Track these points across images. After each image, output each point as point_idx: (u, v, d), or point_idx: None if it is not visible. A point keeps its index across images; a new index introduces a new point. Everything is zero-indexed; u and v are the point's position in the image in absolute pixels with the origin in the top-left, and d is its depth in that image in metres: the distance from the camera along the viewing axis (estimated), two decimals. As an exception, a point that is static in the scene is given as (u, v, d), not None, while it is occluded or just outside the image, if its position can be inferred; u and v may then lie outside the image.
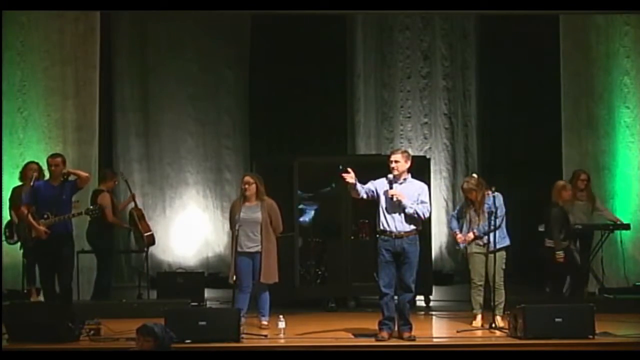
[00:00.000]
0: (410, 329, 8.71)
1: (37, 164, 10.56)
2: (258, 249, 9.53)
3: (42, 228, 9.30)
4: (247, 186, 9.57)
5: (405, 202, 8.67)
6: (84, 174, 9.74)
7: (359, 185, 8.66)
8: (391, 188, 8.68)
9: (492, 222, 9.47)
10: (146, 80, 14.66)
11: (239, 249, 9.47)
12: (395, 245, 8.68)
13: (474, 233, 9.61)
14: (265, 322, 9.56)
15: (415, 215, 8.75)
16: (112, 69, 14.27)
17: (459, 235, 9.75)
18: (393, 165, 8.73)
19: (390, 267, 8.67)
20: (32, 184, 9.63)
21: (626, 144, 12.13)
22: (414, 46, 14.98)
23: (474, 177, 9.91)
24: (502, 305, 9.50)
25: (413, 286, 8.76)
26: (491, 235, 9.47)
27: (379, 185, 8.78)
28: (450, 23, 14.96)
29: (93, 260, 11.43)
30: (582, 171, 11.63)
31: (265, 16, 13.41)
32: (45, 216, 9.35)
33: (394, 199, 8.66)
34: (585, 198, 11.54)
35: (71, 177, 9.63)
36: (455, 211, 10.10)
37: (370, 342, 8.56)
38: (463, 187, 9.86)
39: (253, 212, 9.53)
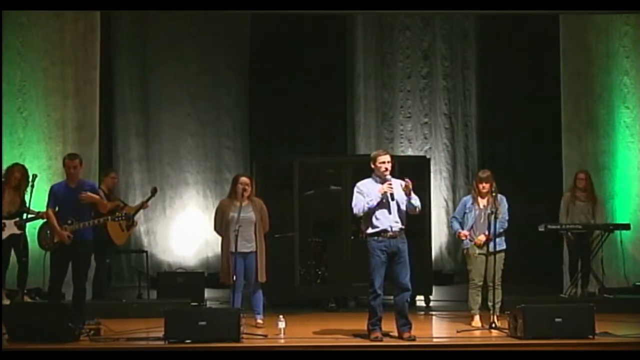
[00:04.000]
0: (410, 328, 8.71)
1: (23, 166, 10.56)
2: (253, 249, 9.58)
3: (65, 232, 9.24)
4: (247, 187, 9.60)
5: (413, 196, 8.70)
6: (104, 209, 9.69)
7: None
8: (390, 188, 8.68)
9: (493, 222, 9.47)
10: (146, 80, 14.67)
11: (232, 249, 9.49)
12: (391, 245, 8.66)
13: (485, 235, 9.57)
14: (260, 321, 9.60)
15: (418, 208, 8.75)
16: (112, 69, 14.28)
17: (463, 232, 9.70)
18: (387, 166, 8.69)
19: (384, 267, 8.66)
20: (32, 183, 9.58)
21: (626, 144, 12.12)
22: (414, 46, 15.00)
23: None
24: (499, 305, 9.51)
25: (410, 284, 8.76)
26: (492, 235, 9.48)
27: (367, 190, 8.72)
28: (450, 23, 14.97)
29: (93, 260, 11.42)
30: (580, 171, 11.65)
31: (265, 16, 13.41)
32: (70, 221, 9.30)
33: (393, 197, 8.66)
34: (585, 198, 11.53)
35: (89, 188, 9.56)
36: (456, 213, 9.98)
37: (370, 342, 8.55)
38: (481, 176, 9.71)
39: (246, 212, 9.55)
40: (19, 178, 10.42)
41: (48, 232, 9.42)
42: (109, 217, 9.91)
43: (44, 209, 9.51)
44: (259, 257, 9.58)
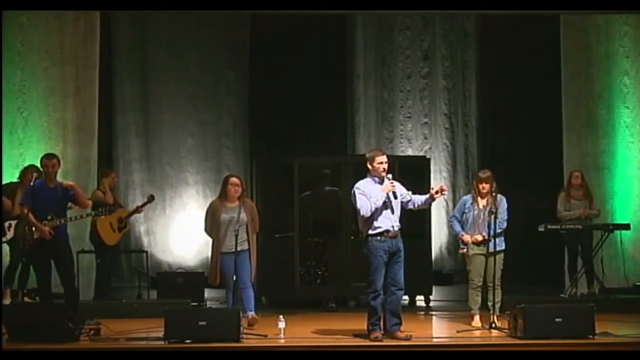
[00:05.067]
0: (401, 326, 8.72)
1: (38, 168, 10.56)
2: (245, 247, 9.59)
3: (46, 228, 9.24)
4: (237, 187, 9.63)
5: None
6: (85, 201, 9.66)
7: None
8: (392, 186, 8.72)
9: (493, 223, 9.47)
10: (146, 80, 14.66)
11: (224, 250, 9.52)
12: (393, 244, 8.67)
13: (482, 236, 9.57)
14: (253, 314, 9.52)
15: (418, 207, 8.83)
16: (112, 69, 14.27)
17: (466, 236, 9.69)
18: (385, 166, 8.69)
19: (384, 267, 8.68)
20: (32, 183, 9.58)
21: (626, 144, 12.14)
22: (414, 46, 14.99)
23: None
24: (499, 305, 9.52)
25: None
26: (491, 234, 9.48)
27: (368, 190, 8.70)
28: (450, 23, 14.97)
29: (93, 260, 11.44)
30: (574, 170, 11.67)
31: (265, 16, 13.41)
32: (50, 217, 9.30)
33: (396, 195, 8.69)
34: (582, 197, 11.55)
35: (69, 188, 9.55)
36: (455, 212, 9.98)
37: (371, 342, 8.55)
38: (481, 176, 9.70)
39: (238, 213, 9.57)
40: (30, 180, 10.42)
41: (26, 228, 9.37)
42: (92, 213, 9.90)
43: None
44: (251, 257, 9.60)
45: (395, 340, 8.59)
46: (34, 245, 9.27)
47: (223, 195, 9.70)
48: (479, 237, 9.59)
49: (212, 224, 9.67)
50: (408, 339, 8.59)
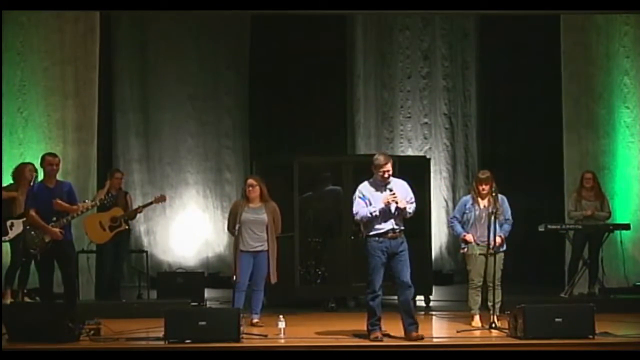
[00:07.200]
0: (417, 327, 8.67)
1: (32, 164, 10.55)
2: (263, 248, 9.65)
3: (56, 229, 9.25)
4: (250, 188, 9.70)
5: (409, 208, 8.71)
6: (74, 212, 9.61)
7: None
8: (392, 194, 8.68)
9: (493, 223, 9.45)
10: (146, 80, 14.67)
11: (242, 248, 9.56)
12: (392, 245, 8.64)
13: (500, 237, 9.53)
14: (257, 320, 9.62)
15: (410, 216, 8.79)
16: (112, 69, 14.28)
17: (468, 236, 9.67)
18: (387, 175, 8.64)
19: (384, 268, 8.65)
20: (31, 184, 9.57)
21: (626, 144, 12.14)
22: (414, 46, 15.00)
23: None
24: (499, 305, 9.52)
25: (410, 281, 8.74)
26: (491, 235, 9.45)
27: (369, 195, 8.68)
28: (450, 23, 14.98)
29: (93, 260, 11.43)
30: (586, 171, 11.67)
31: (265, 16, 13.41)
32: (55, 218, 9.30)
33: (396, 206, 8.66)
34: (594, 198, 11.54)
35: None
36: (456, 213, 9.94)
37: (370, 342, 8.55)
38: (481, 177, 9.67)
39: (258, 213, 9.69)
40: (29, 179, 10.42)
41: (33, 232, 9.36)
42: (97, 202, 9.90)
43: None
44: (270, 258, 9.66)
45: (407, 340, 8.56)
46: (46, 250, 9.29)
47: (244, 195, 9.80)
48: (499, 240, 9.52)
49: (234, 223, 9.73)
50: (420, 339, 8.55)
